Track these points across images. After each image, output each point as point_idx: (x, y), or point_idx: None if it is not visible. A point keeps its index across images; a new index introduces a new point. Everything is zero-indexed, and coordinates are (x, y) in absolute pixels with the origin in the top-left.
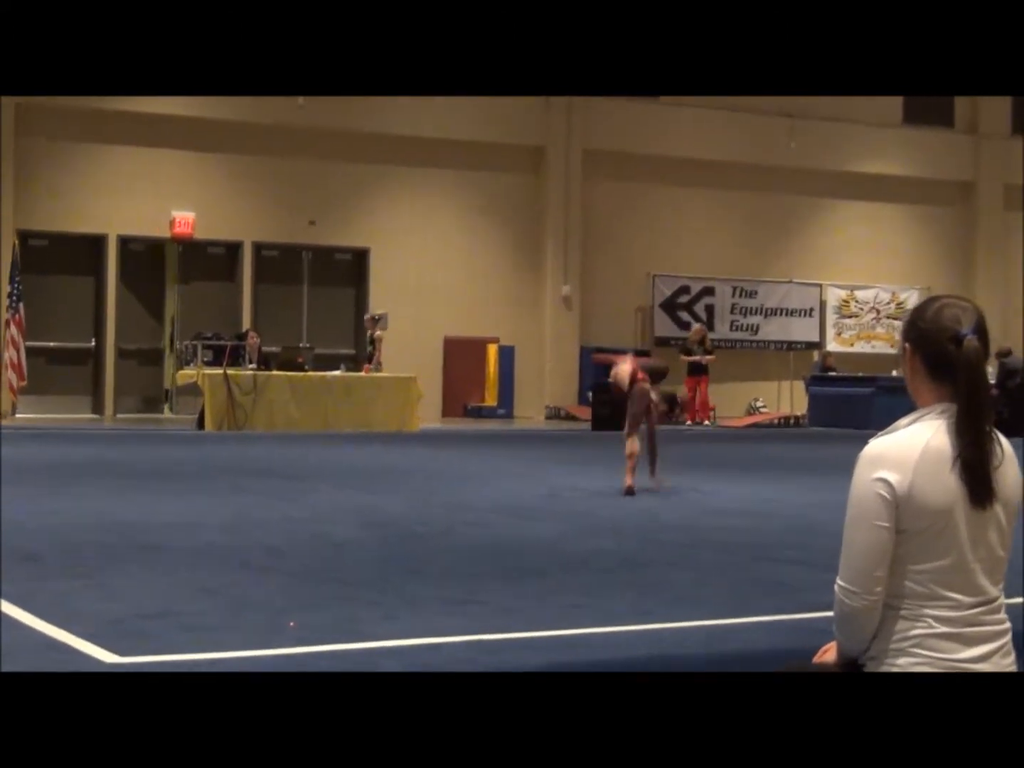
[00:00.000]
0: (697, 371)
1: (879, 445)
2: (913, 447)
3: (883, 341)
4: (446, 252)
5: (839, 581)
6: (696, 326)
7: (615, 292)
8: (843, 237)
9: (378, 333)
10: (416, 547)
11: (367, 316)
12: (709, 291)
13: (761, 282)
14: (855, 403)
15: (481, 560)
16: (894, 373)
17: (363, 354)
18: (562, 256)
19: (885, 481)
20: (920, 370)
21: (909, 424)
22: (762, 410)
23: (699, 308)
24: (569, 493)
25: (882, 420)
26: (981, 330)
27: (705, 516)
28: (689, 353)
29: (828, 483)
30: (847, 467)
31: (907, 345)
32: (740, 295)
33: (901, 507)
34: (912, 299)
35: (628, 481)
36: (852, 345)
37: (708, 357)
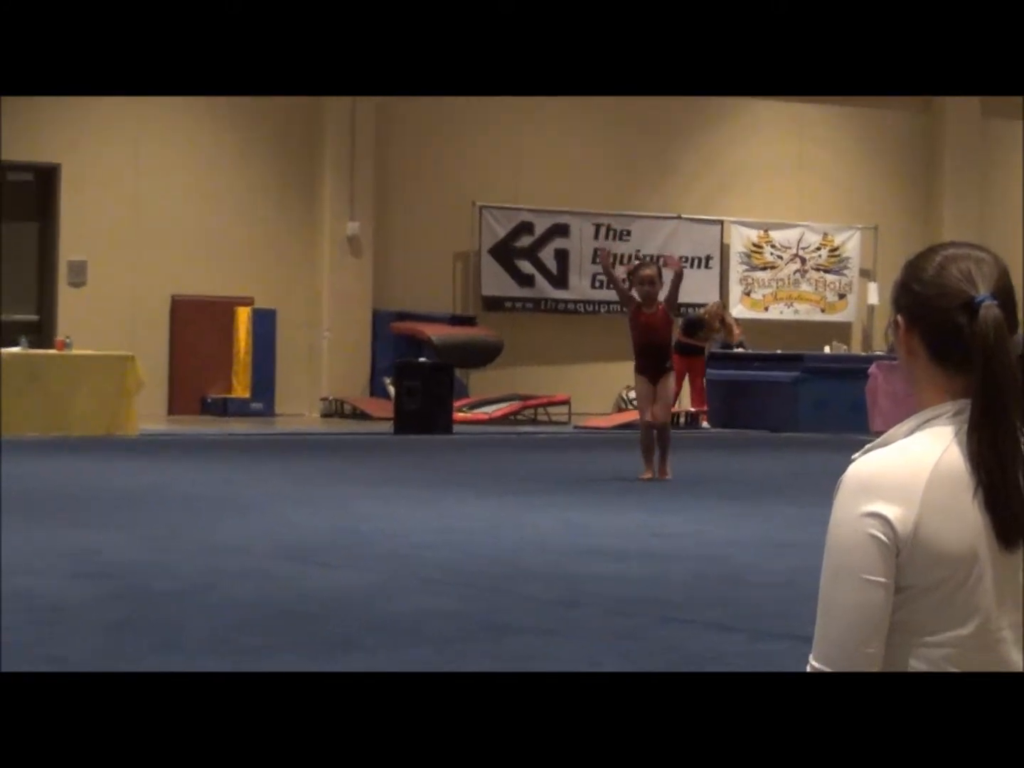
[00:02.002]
0: (691, 352)
1: (869, 465)
2: (918, 467)
3: (811, 303)
4: (174, 173)
5: (813, 661)
6: (713, 302)
7: (425, 232)
8: (753, 154)
9: None
10: (164, 609)
11: None
12: (561, 230)
13: (636, 217)
14: (773, 393)
15: (261, 627)
16: (827, 350)
17: (51, 321)
18: (347, 180)
19: (880, 517)
20: (919, 353)
21: (910, 433)
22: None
23: (546, 255)
24: (377, 527)
25: (810, 416)
26: (1004, 291)
27: (581, 559)
28: (692, 334)
29: (750, 510)
30: (772, 486)
31: (899, 318)
32: (607, 236)
33: (904, 554)
34: (852, 242)
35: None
36: (766, 309)
37: (708, 344)
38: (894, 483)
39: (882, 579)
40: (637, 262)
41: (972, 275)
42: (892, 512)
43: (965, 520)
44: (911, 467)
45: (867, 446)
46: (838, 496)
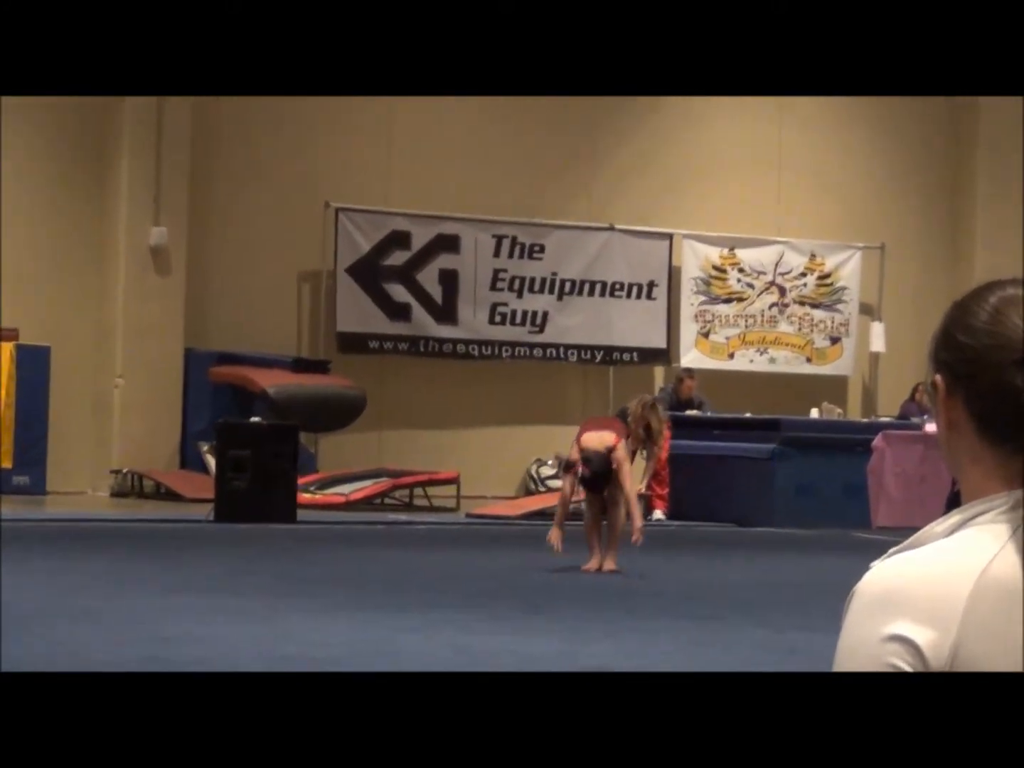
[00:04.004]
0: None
1: (893, 572)
2: (958, 577)
3: (793, 349)
4: None
5: None
6: (638, 400)
7: (260, 242)
8: (715, 143)
9: None
10: None
11: None
12: (448, 244)
13: (552, 227)
14: (740, 473)
15: None
16: (814, 414)
17: None
18: (150, 168)
19: (906, 642)
20: (964, 426)
21: (951, 532)
22: (551, 482)
23: (428, 277)
24: (190, 652)
25: (790, 505)
26: None
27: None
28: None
29: (708, 636)
30: (739, 603)
31: (938, 377)
32: (512, 252)
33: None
34: (850, 267)
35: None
36: (731, 357)
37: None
38: (926, 597)
39: None
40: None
41: None
42: (922, 635)
43: (1020, 649)
44: (949, 576)
45: (892, 549)
46: (850, 612)
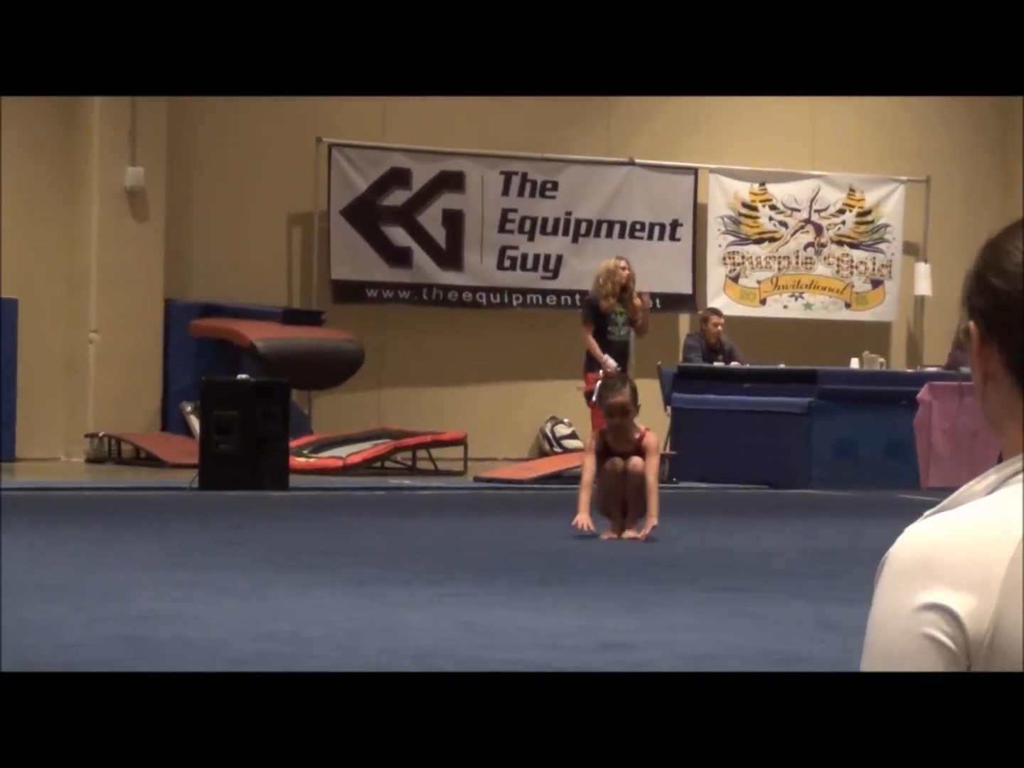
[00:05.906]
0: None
1: (928, 536)
2: (999, 539)
3: (831, 293)
4: None
5: None
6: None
7: (245, 183)
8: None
9: None
10: None
11: None
12: (452, 181)
13: (566, 162)
14: (773, 430)
15: None
16: (854, 364)
17: None
18: (124, 104)
19: (943, 611)
20: (1000, 377)
21: (990, 491)
22: (567, 442)
23: (430, 218)
24: (171, 631)
25: (829, 464)
26: None
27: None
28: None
29: (739, 607)
30: (773, 572)
31: (972, 324)
32: (522, 190)
33: (978, 665)
34: (893, 202)
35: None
36: (762, 303)
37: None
38: (964, 561)
39: None
40: (604, 375)
41: None
42: (960, 603)
43: None
44: (989, 539)
45: (929, 510)
46: (882, 580)
